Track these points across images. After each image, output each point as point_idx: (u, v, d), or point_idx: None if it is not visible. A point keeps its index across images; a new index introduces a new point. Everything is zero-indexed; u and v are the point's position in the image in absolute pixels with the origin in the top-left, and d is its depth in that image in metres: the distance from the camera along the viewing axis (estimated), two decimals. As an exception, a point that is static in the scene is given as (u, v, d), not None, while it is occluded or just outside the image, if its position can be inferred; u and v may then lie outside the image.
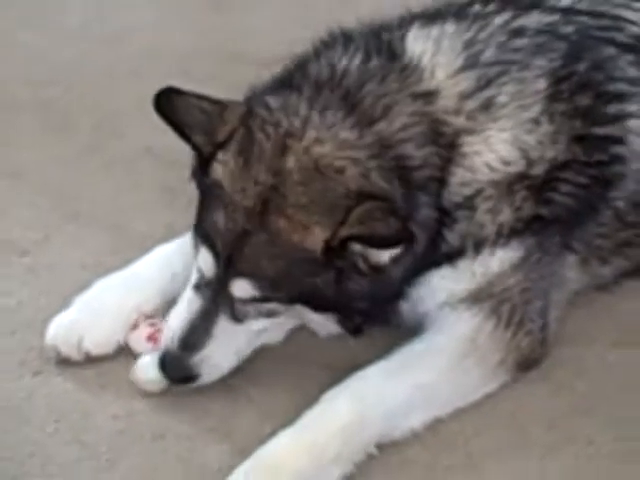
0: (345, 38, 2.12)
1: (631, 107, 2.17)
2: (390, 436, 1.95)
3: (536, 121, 2.07)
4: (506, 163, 2.04)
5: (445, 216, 2.04)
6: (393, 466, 1.93)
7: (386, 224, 1.85)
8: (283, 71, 2.12)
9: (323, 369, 2.02)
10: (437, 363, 2.02)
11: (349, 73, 2.02)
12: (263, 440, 1.89)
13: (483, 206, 2.05)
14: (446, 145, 2.02)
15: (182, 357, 2.00)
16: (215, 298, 2.00)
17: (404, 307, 2.10)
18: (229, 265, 1.95)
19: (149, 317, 2.17)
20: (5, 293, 2.38)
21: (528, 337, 2.08)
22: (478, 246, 2.06)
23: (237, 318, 2.02)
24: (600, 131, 2.13)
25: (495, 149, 2.04)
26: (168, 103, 1.97)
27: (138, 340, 2.15)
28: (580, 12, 2.27)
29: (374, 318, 2.06)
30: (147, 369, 2.07)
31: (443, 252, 2.06)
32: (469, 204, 2.04)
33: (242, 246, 1.94)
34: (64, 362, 2.14)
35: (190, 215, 2.07)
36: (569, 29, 2.21)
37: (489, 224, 2.06)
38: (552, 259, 2.13)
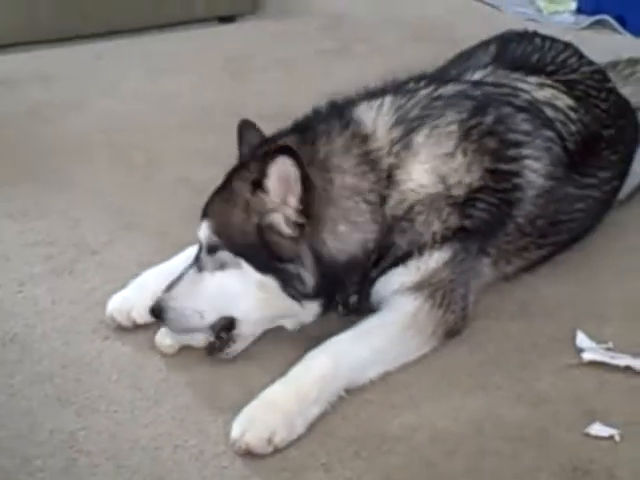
0: (316, 112, 2.12)
1: (526, 151, 2.16)
2: (355, 384, 1.94)
3: (451, 155, 2.06)
4: (425, 187, 2.04)
5: (395, 226, 2.02)
6: (355, 404, 1.92)
7: (276, 161, 1.86)
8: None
9: (312, 340, 1.99)
10: (389, 332, 2.01)
11: (319, 134, 2.03)
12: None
13: (418, 219, 2.04)
14: (384, 177, 2.02)
15: (160, 297, 1.99)
16: (195, 259, 2.01)
17: (372, 297, 2.10)
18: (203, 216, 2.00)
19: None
20: (83, 281, 2.36)
21: (453, 315, 2.07)
22: (420, 249, 2.05)
23: (200, 267, 1.99)
24: (505, 167, 2.12)
25: (415, 177, 2.04)
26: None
27: None
28: (486, 83, 2.27)
29: (326, 298, 2.00)
30: (164, 337, 2.06)
31: (399, 255, 2.04)
32: (408, 217, 2.03)
33: (212, 199, 2.01)
34: (120, 329, 2.14)
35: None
36: (476, 92, 2.20)
37: (425, 233, 2.04)
38: (472, 259, 2.13)
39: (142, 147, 3.08)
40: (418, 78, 2.24)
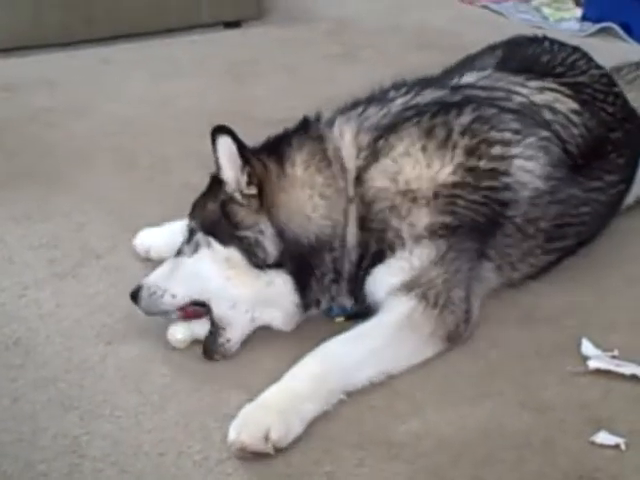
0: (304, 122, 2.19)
1: (515, 150, 2.16)
2: (353, 385, 1.93)
3: (407, 154, 2.09)
4: (384, 187, 2.08)
5: (365, 225, 2.08)
6: (359, 411, 1.91)
7: (218, 141, 2.00)
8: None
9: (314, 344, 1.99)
10: (382, 333, 2.01)
11: (285, 136, 2.17)
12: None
13: (383, 217, 2.08)
14: (351, 178, 2.10)
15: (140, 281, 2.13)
16: (177, 250, 2.15)
17: (368, 299, 2.12)
18: None
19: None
20: (87, 285, 2.36)
21: (452, 315, 2.05)
22: (392, 247, 2.07)
23: (178, 253, 2.11)
24: (487, 165, 2.12)
25: (375, 178, 2.09)
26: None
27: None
28: (474, 86, 2.27)
29: (299, 280, 2.07)
30: (176, 332, 2.10)
31: (372, 252, 2.09)
32: (375, 217, 2.08)
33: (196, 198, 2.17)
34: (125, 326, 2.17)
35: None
36: (455, 98, 2.21)
37: (392, 230, 2.07)
38: (469, 260, 2.11)
39: (147, 151, 3.09)
40: (400, 85, 2.29)
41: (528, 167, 2.16)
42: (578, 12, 4.55)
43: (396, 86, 2.29)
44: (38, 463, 1.78)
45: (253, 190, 2.03)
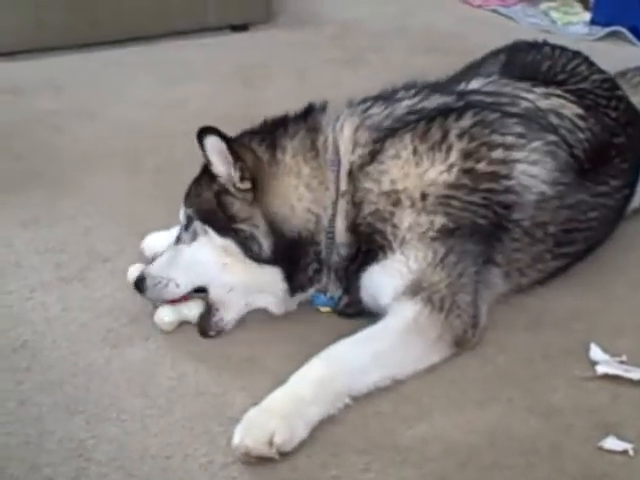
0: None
1: (519, 155, 2.16)
2: (358, 389, 1.93)
3: (397, 156, 2.10)
4: (372, 188, 2.10)
5: (356, 222, 2.10)
6: (366, 414, 1.92)
7: (205, 141, 2.05)
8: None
9: (321, 346, 1.99)
10: (388, 336, 2.01)
11: (283, 124, 2.19)
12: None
13: (376, 218, 2.09)
14: (344, 173, 2.12)
15: (142, 271, 2.19)
16: (176, 238, 2.21)
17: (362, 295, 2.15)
18: None
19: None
20: (93, 289, 2.37)
21: (459, 319, 2.05)
22: (390, 247, 2.08)
23: (177, 241, 2.18)
24: (486, 168, 2.12)
25: (367, 179, 2.11)
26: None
27: None
28: (480, 92, 2.27)
29: (286, 270, 2.10)
30: (164, 315, 2.17)
31: (364, 251, 2.11)
32: (370, 219, 2.09)
33: (189, 187, 2.22)
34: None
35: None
36: (459, 103, 2.21)
37: (387, 231, 2.08)
38: (474, 264, 2.10)
39: (154, 155, 3.09)
40: (410, 86, 2.29)
41: (532, 172, 2.16)
42: (586, 16, 4.54)
43: (407, 87, 2.29)
44: (44, 466, 1.79)
45: (247, 185, 2.06)
